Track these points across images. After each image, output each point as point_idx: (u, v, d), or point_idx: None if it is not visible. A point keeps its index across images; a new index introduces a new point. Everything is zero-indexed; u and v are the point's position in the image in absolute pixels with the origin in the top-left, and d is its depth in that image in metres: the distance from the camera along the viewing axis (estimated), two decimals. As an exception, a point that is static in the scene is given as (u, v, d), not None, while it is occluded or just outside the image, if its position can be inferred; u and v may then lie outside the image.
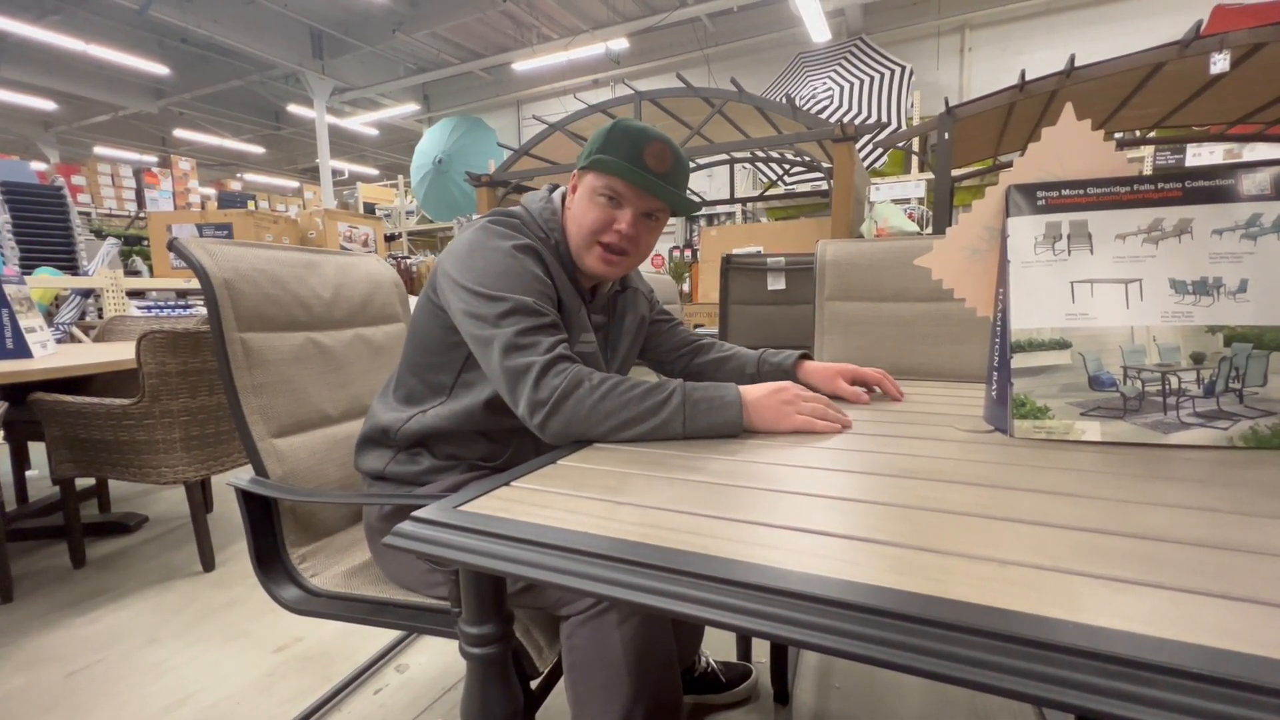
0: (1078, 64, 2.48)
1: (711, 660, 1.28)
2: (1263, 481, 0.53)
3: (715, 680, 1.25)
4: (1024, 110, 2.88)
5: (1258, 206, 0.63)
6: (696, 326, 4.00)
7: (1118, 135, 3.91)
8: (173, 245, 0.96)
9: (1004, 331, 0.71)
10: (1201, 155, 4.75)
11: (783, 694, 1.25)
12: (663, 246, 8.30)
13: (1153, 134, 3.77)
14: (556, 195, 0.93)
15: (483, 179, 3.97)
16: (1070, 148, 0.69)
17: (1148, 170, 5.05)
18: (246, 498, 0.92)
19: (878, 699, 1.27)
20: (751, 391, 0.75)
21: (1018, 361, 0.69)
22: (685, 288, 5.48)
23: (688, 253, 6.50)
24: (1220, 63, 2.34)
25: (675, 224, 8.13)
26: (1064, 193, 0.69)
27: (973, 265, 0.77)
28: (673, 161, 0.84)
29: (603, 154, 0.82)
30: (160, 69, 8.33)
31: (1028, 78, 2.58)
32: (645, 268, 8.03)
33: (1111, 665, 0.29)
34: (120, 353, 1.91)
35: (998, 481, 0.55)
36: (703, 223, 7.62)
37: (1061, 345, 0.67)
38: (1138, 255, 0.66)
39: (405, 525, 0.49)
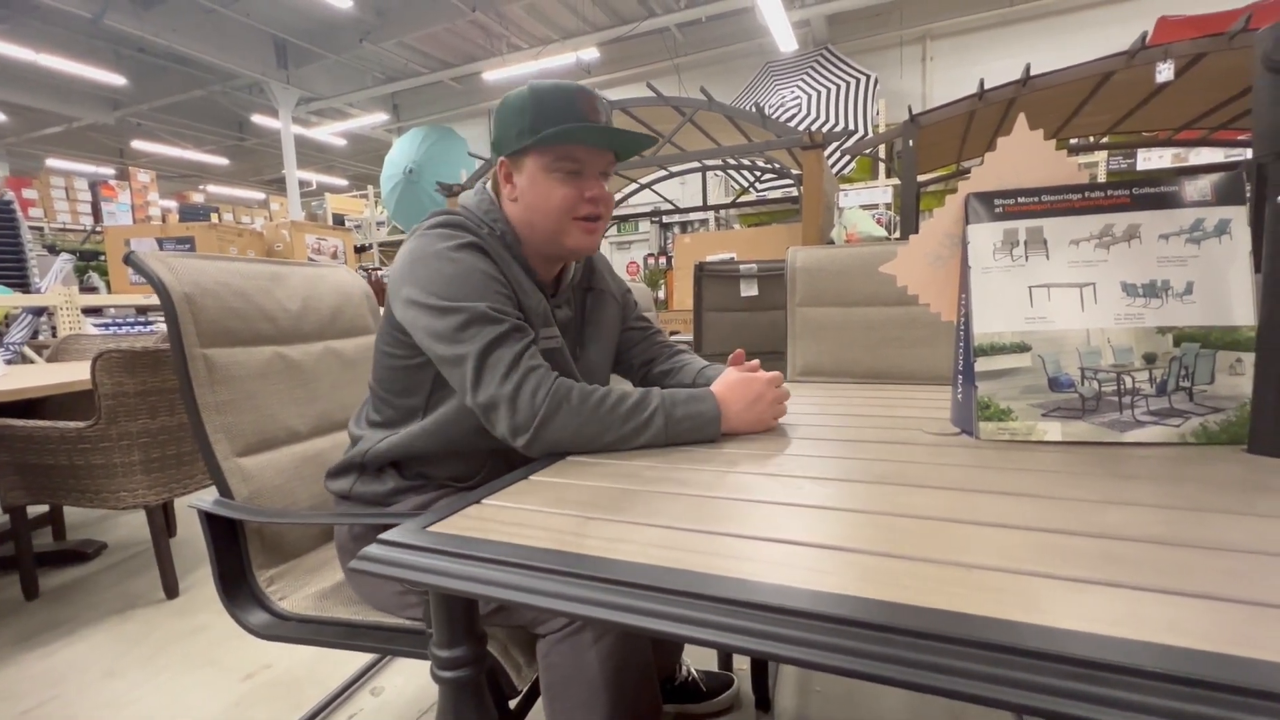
0: (1033, 73, 2.56)
1: (693, 669, 1.27)
2: (1213, 477, 0.55)
3: (696, 689, 1.25)
4: (984, 117, 2.97)
5: (1200, 211, 0.66)
6: (673, 333, 4.01)
7: (1072, 141, 4.06)
8: (129, 259, 0.93)
9: (967, 335, 0.73)
10: (1151, 159, 4.96)
11: (764, 700, 1.25)
12: (637, 254, 8.33)
13: (1105, 139, 3.92)
14: (489, 185, 0.87)
15: (454, 189, 3.94)
16: (1024, 157, 0.72)
17: (1102, 173, 5.24)
18: (210, 520, 0.89)
19: (858, 702, 1.28)
20: (730, 405, 0.77)
21: (981, 365, 0.70)
22: (661, 294, 5.50)
23: (662, 260, 6.53)
24: (1165, 72, 2.45)
25: (649, 231, 8.16)
26: (1020, 200, 0.71)
27: (936, 271, 0.78)
28: (605, 108, 0.80)
29: (541, 125, 0.76)
30: (116, 79, 8.09)
31: (986, 86, 2.67)
32: (621, 275, 8.04)
33: (1072, 667, 0.29)
34: (75, 373, 1.84)
35: (964, 484, 0.56)
36: (677, 230, 7.67)
37: (1022, 348, 0.69)
38: (1091, 260, 0.68)
39: (372, 548, 0.48)
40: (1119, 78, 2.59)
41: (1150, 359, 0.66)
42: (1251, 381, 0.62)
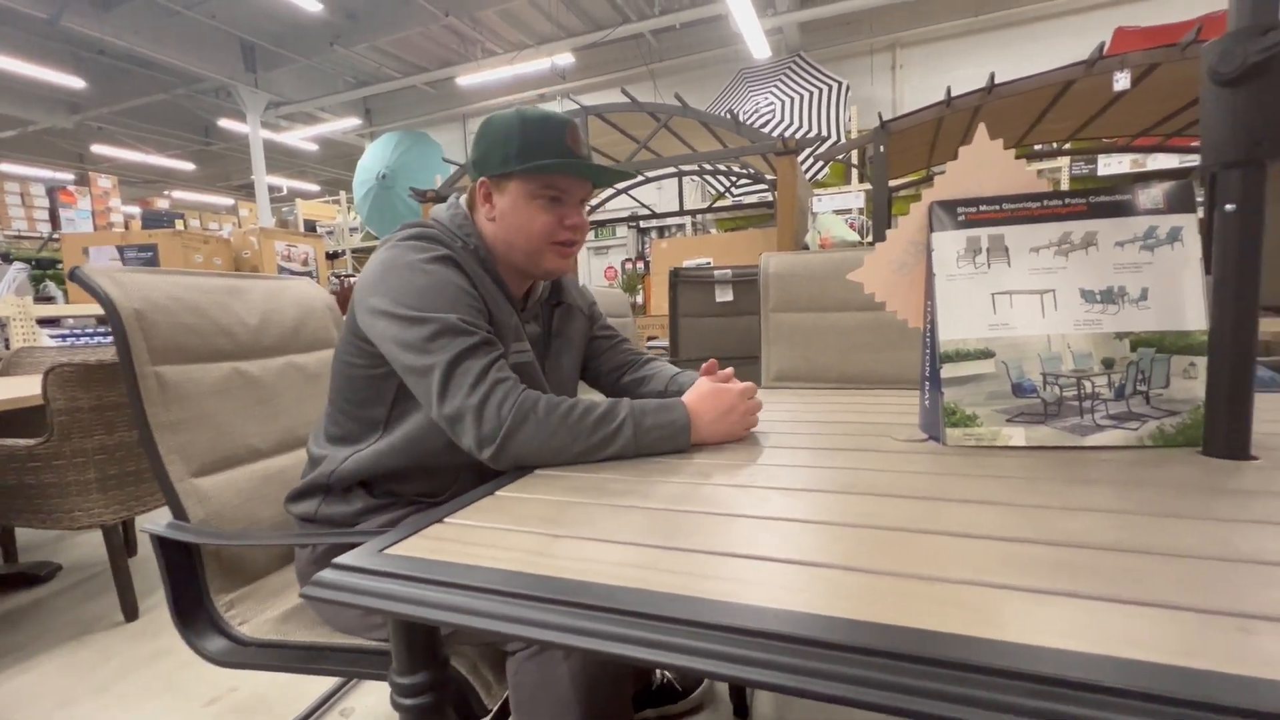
0: (997, 81, 2.63)
1: (666, 671, 1.27)
2: (1169, 480, 0.56)
3: (672, 690, 1.25)
4: (952, 124, 3.04)
5: (1153, 220, 0.67)
6: (650, 339, 4.01)
7: (1037, 147, 4.17)
8: (74, 275, 0.89)
9: (933, 342, 0.73)
10: (1111, 165, 5.12)
11: (742, 707, 1.25)
12: (614, 258, 8.33)
13: (1068, 146, 4.03)
14: (463, 200, 0.89)
15: (428, 194, 3.89)
16: (985, 166, 0.73)
17: (1065, 178, 5.40)
18: (163, 544, 0.86)
19: (837, 706, 1.28)
20: (701, 416, 0.76)
21: (947, 371, 0.71)
22: (639, 299, 5.50)
23: (640, 265, 6.54)
24: (1122, 81, 2.53)
25: (627, 236, 8.17)
26: (981, 208, 0.72)
27: (901, 279, 0.79)
28: (585, 141, 0.84)
29: (530, 153, 0.79)
30: (75, 81, 7.83)
31: (954, 94, 2.72)
32: (598, 280, 8.03)
33: (1031, 684, 0.29)
34: (26, 387, 1.76)
35: (930, 493, 0.56)
36: (654, 235, 7.69)
37: (986, 355, 0.70)
38: (1050, 267, 0.70)
39: (326, 574, 0.46)
40: (1079, 86, 2.66)
41: (1109, 364, 0.67)
42: (1204, 385, 0.63)
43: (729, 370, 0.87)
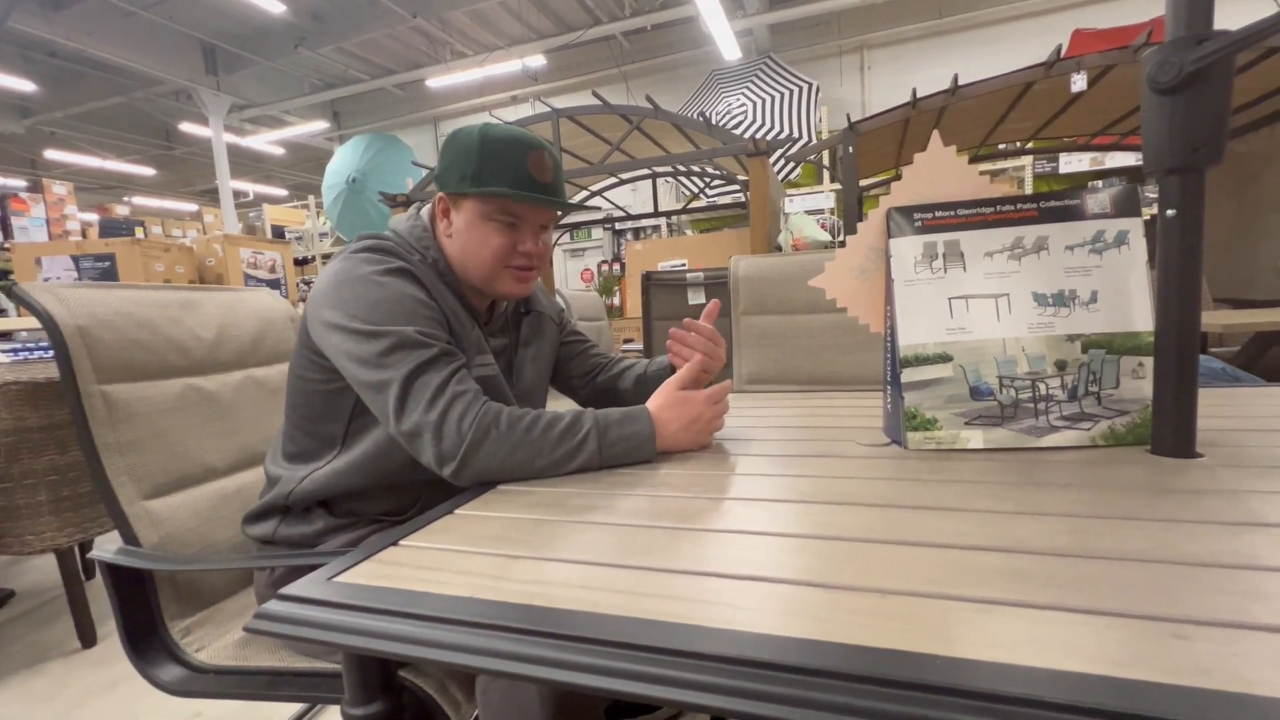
0: (961, 83, 2.68)
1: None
2: (1117, 481, 0.57)
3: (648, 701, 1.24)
4: (919, 124, 3.09)
5: (1100, 224, 0.69)
6: (626, 340, 4.01)
7: (1001, 146, 4.27)
8: (13, 291, 0.86)
9: (893, 346, 0.74)
10: (1072, 163, 5.27)
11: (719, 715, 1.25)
12: (590, 260, 8.31)
13: (1030, 145, 4.14)
14: (424, 212, 0.87)
15: (398, 198, 3.83)
16: (939, 172, 0.74)
17: (1029, 177, 5.54)
18: (113, 571, 0.82)
19: None
20: (667, 425, 0.76)
21: (907, 376, 0.72)
22: (616, 301, 5.49)
23: (616, 266, 6.53)
24: (1079, 82, 2.60)
25: (602, 238, 8.15)
26: (937, 214, 0.73)
27: (862, 284, 0.80)
28: (554, 165, 0.81)
29: (485, 177, 0.77)
30: (25, 85, 7.54)
31: (920, 94, 2.77)
32: (574, 283, 7.99)
33: (976, 701, 0.29)
34: (-29, 408, 1.68)
35: (889, 500, 0.56)
36: (629, 236, 7.69)
37: (944, 359, 0.71)
38: (1004, 271, 0.71)
39: (271, 605, 0.44)
40: (1039, 87, 2.73)
41: (1061, 366, 0.69)
42: (1152, 384, 0.65)
43: (715, 303, 0.90)
